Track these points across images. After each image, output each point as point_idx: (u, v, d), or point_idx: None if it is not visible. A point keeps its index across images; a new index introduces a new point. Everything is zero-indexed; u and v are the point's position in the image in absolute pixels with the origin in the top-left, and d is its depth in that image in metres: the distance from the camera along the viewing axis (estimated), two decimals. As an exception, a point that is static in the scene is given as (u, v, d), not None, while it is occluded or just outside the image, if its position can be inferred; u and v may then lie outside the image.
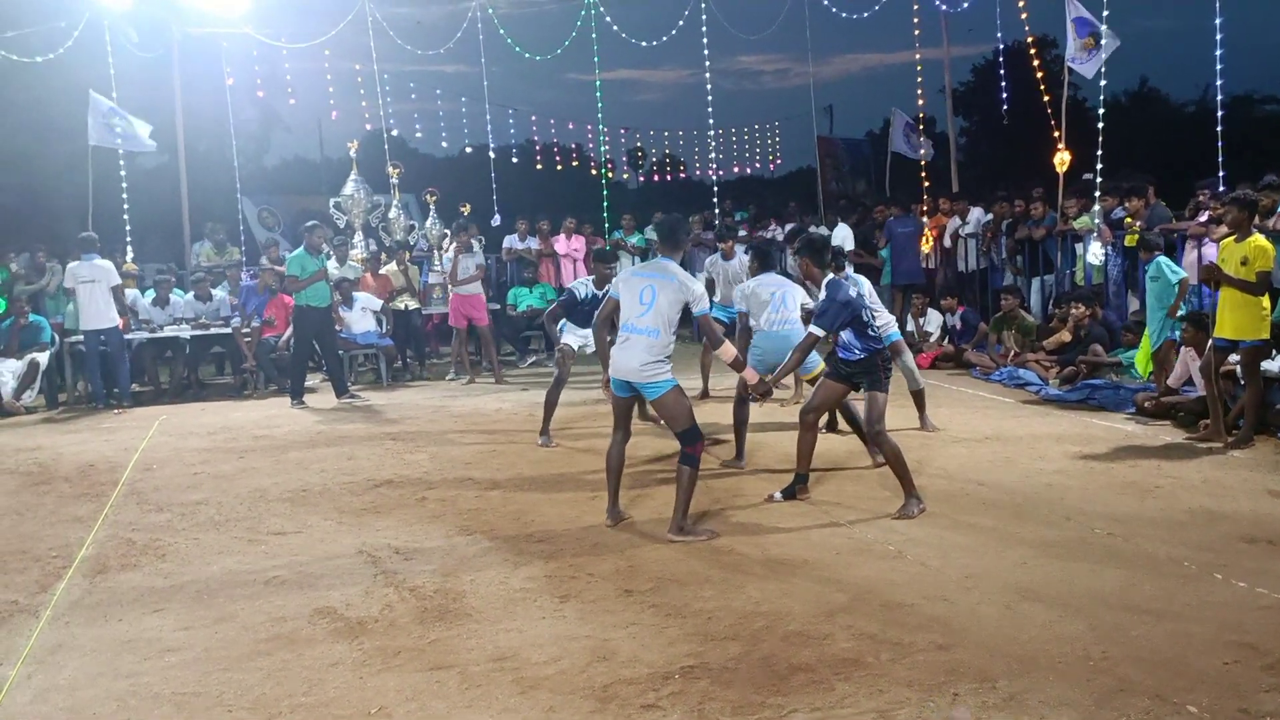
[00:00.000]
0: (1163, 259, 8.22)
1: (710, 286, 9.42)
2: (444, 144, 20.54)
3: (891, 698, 3.39)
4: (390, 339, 12.04)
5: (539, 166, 20.64)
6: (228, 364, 12.61)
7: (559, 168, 20.92)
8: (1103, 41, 10.46)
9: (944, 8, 14.73)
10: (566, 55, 15.53)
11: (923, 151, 15.05)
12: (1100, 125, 10.30)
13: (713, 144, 16.44)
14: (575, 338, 7.94)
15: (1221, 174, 9.93)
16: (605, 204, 15.49)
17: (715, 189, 15.49)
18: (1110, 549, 4.89)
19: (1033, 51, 13.30)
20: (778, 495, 5.95)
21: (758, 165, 22.75)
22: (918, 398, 7.87)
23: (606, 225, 15.41)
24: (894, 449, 5.58)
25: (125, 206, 12.77)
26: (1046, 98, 12.06)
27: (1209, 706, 3.25)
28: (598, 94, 15.87)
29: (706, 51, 14.38)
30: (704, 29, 14.31)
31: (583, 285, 7.86)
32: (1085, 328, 9.67)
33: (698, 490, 5.52)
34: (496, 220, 15.22)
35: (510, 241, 14.41)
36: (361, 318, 11.72)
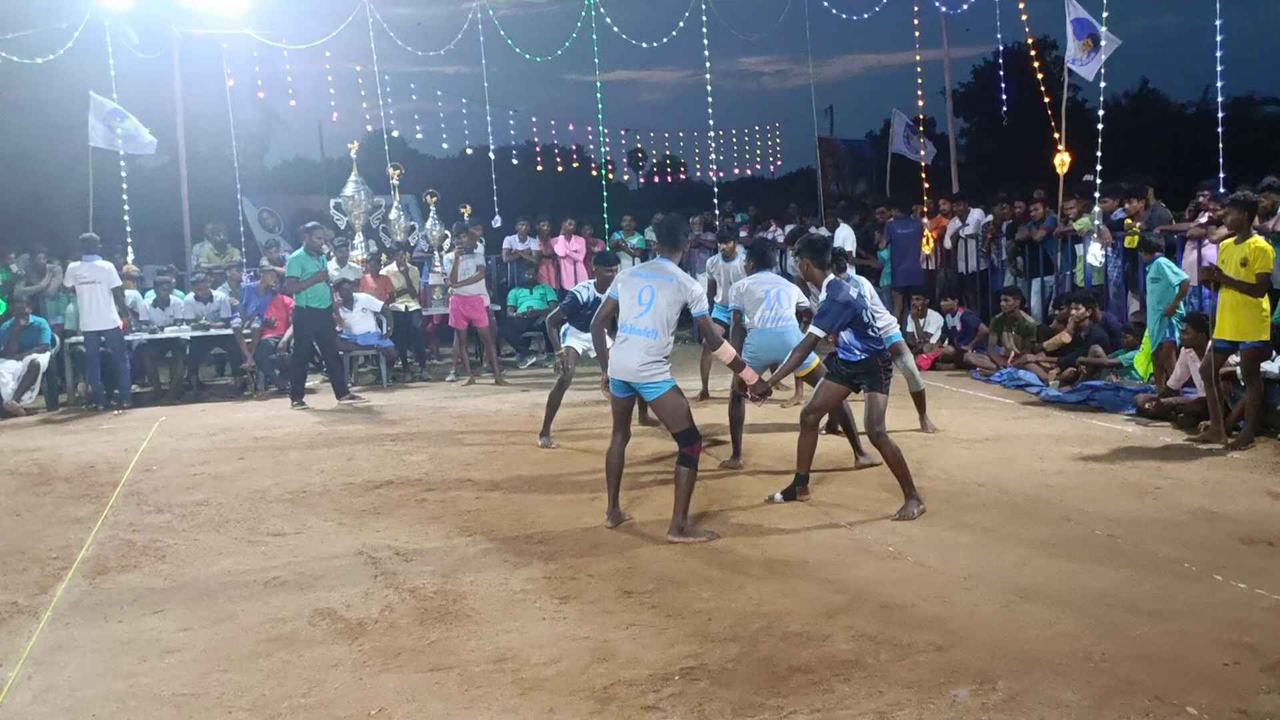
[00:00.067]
0: (1164, 260, 8.22)
1: (712, 287, 9.42)
2: (444, 145, 20.55)
3: (891, 699, 3.39)
4: (390, 340, 12.04)
5: (539, 167, 20.64)
6: (228, 365, 12.62)
7: (559, 169, 20.92)
8: (1102, 43, 10.46)
9: (944, 9, 14.74)
10: (567, 56, 15.56)
11: (923, 153, 15.06)
12: (1100, 126, 10.30)
13: (713, 145, 16.46)
14: (578, 341, 7.94)
15: (1222, 175, 9.93)
16: (605, 205, 15.50)
17: (716, 190, 15.50)
18: (1110, 549, 4.88)
19: (1033, 53, 13.31)
20: (778, 496, 5.95)
21: (758, 166, 22.75)
22: (918, 399, 7.87)
23: (607, 226, 15.41)
24: (895, 450, 5.58)
25: (126, 208, 12.78)
26: (1047, 99, 12.06)
27: (1208, 707, 3.25)
28: (598, 95, 15.90)
29: (707, 52, 14.40)
30: (704, 30, 14.33)
31: (585, 289, 7.86)
32: (1085, 329, 9.67)
33: (697, 491, 5.52)
34: (497, 221, 15.23)
35: (510, 243, 14.42)
36: (362, 319, 11.73)
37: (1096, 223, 10.22)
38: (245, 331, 11.39)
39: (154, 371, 11.74)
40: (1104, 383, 8.90)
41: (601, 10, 14.61)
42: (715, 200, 15.18)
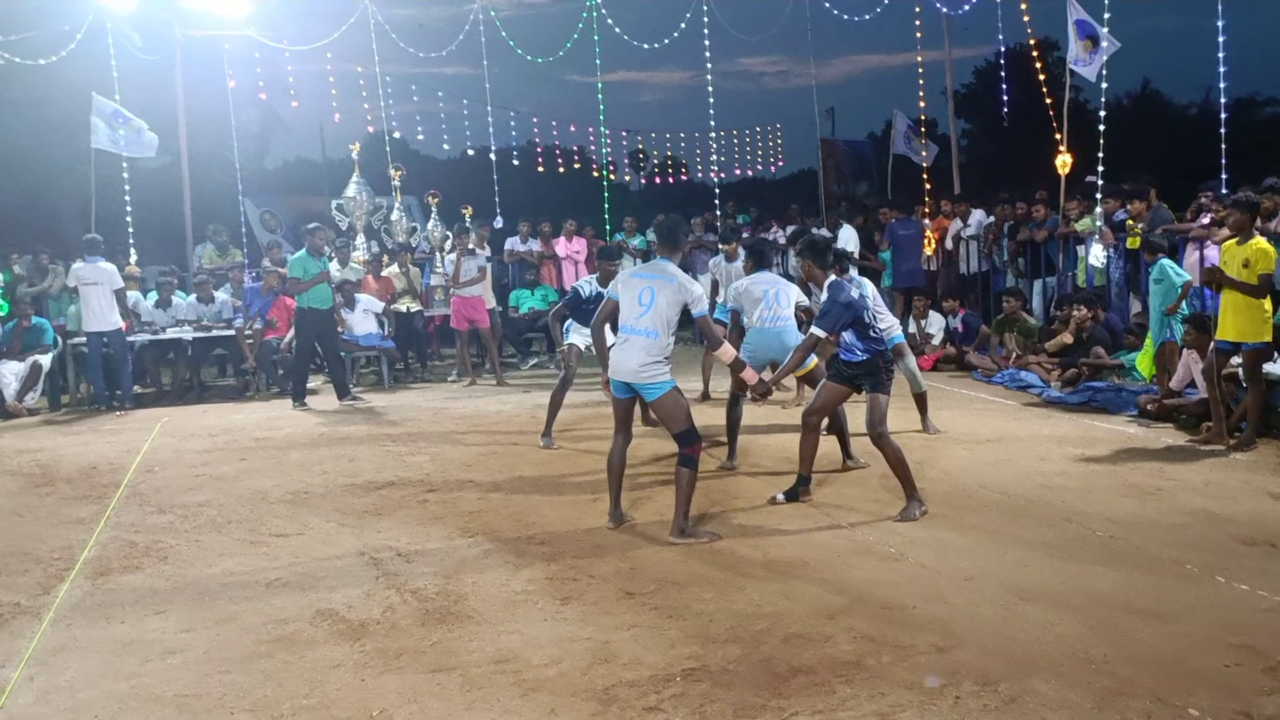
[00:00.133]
0: (1166, 262, 8.22)
1: (715, 288, 9.43)
2: (446, 146, 20.58)
3: (892, 700, 3.39)
4: (392, 341, 12.05)
5: (540, 168, 20.67)
6: (230, 366, 12.63)
7: (560, 170, 20.94)
8: (1103, 44, 10.47)
9: (945, 10, 14.74)
10: (568, 57, 15.57)
11: (924, 154, 15.07)
12: (1102, 128, 10.30)
13: (714, 146, 16.46)
14: (580, 338, 7.92)
15: (1224, 176, 9.93)
16: (607, 206, 15.51)
17: (717, 191, 15.50)
18: (1111, 550, 4.88)
19: (1035, 54, 13.32)
20: (780, 497, 5.95)
21: (759, 167, 22.78)
22: (920, 400, 7.87)
23: (608, 227, 15.42)
24: (896, 451, 5.58)
25: (128, 208, 12.79)
26: (1049, 99, 12.06)
27: (1209, 709, 3.25)
28: (599, 96, 15.91)
29: (708, 53, 14.41)
30: (705, 31, 14.34)
31: (587, 284, 7.87)
32: (1087, 330, 9.66)
33: (698, 492, 5.52)
34: (499, 222, 15.24)
35: (512, 244, 14.43)
36: (363, 320, 11.73)
37: (1098, 224, 10.22)
38: (247, 332, 11.40)
39: (156, 372, 11.75)
40: (1106, 384, 8.90)
41: (603, 11, 14.62)
42: (716, 201, 15.18)
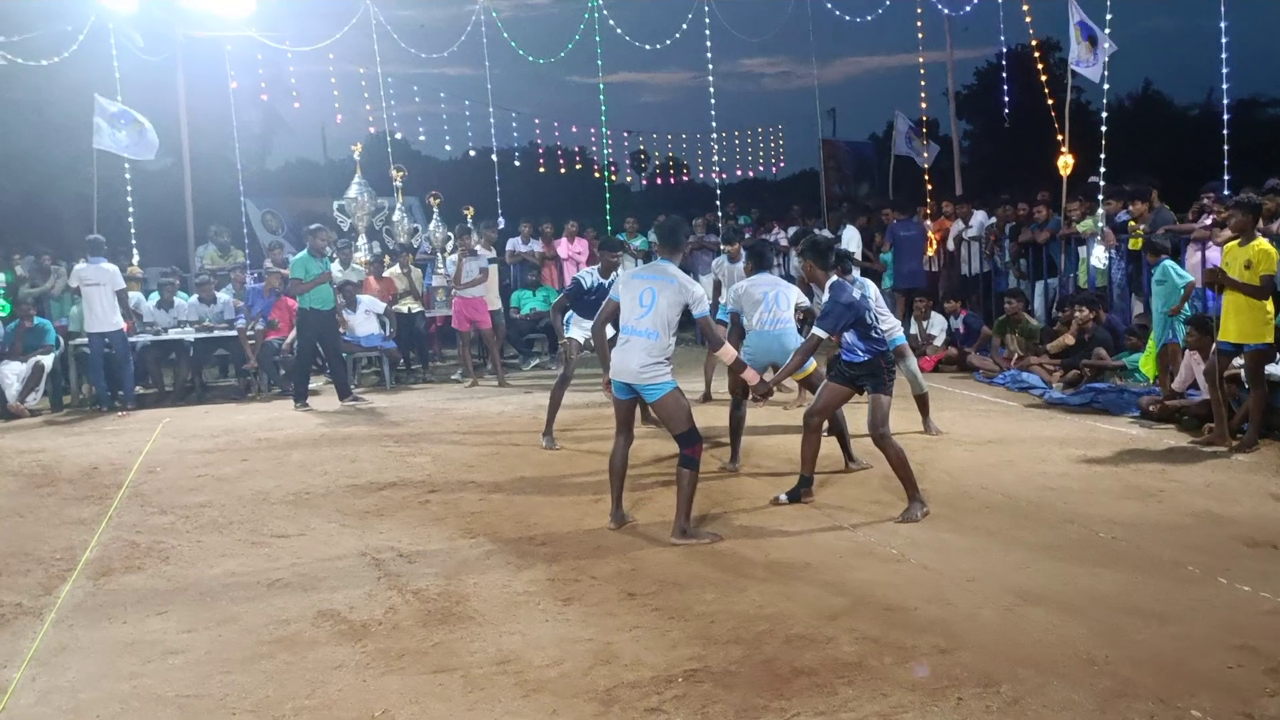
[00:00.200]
0: (1169, 263, 8.21)
1: (718, 288, 9.43)
2: (447, 147, 20.60)
3: (894, 701, 3.39)
4: (394, 342, 12.05)
5: (542, 169, 20.67)
6: (231, 367, 12.64)
7: (562, 171, 20.95)
8: (1104, 45, 10.47)
9: (946, 11, 14.74)
10: (569, 58, 15.58)
11: (925, 154, 15.06)
12: (1104, 129, 10.30)
13: (715, 147, 16.46)
14: (580, 331, 7.91)
15: (1227, 178, 9.92)
16: (608, 207, 15.52)
17: (718, 192, 15.51)
18: (1113, 552, 4.88)
19: (1036, 55, 13.32)
20: (783, 498, 5.95)
21: (761, 168, 22.79)
22: (921, 402, 7.87)
23: (610, 228, 15.43)
24: (898, 452, 5.58)
25: (130, 209, 12.80)
26: (1050, 100, 12.06)
27: (1211, 710, 3.24)
28: (601, 97, 15.91)
29: (709, 54, 14.41)
30: (707, 31, 14.34)
31: (588, 275, 7.88)
32: (1089, 331, 9.66)
33: (700, 493, 5.52)
34: (500, 223, 15.26)
35: (513, 244, 14.44)
36: (365, 320, 11.74)
37: (1100, 225, 10.22)
38: (249, 333, 11.40)
39: (158, 373, 11.76)
40: (1108, 385, 8.89)
41: (604, 12, 14.63)
42: (718, 202, 15.19)
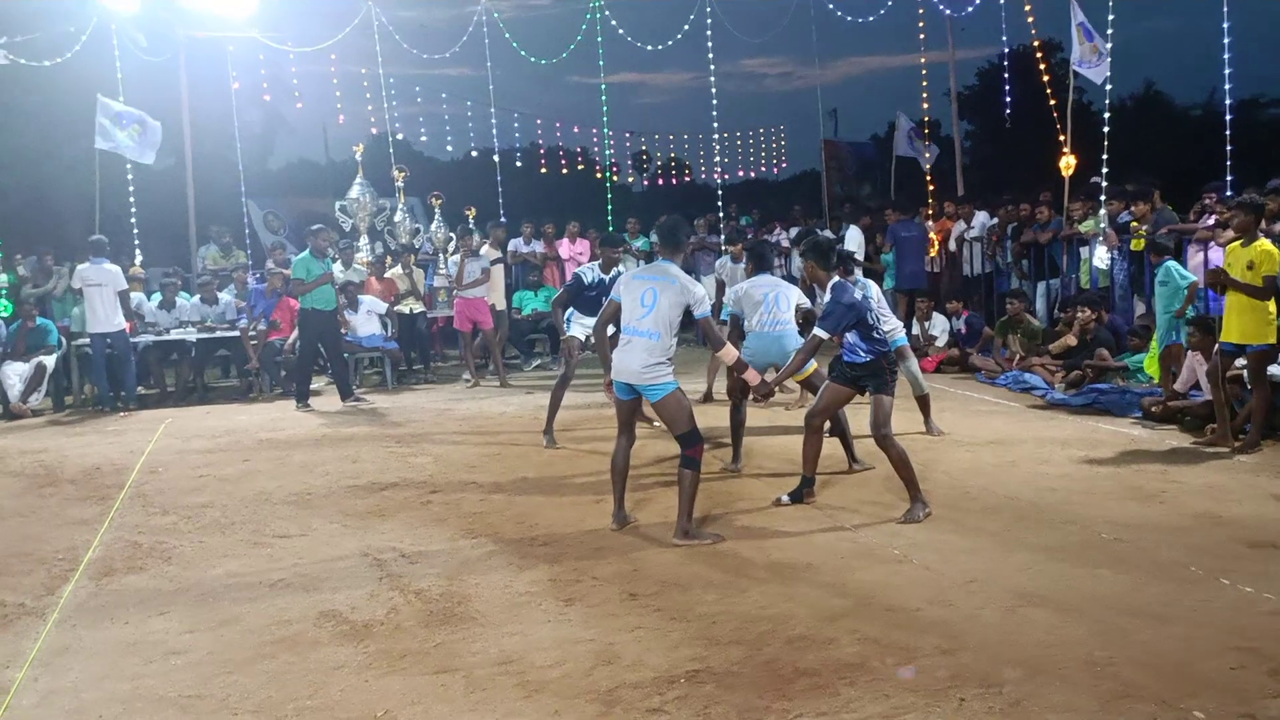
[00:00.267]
0: (1172, 263, 8.21)
1: (721, 288, 9.44)
2: (449, 147, 20.60)
3: (896, 702, 3.39)
4: (395, 342, 12.06)
5: (543, 170, 20.68)
6: (233, 367, 12.64)
7: (564, 171, 20.97)
8: (1107, 45, 10.48)
9: (948, 11, 14.74)
10: (571, 58, 15.59)
11: (927, 155, 15.07)
12: (1106, 130, 10.29)
13: (717, 147, 16.48)
14: (581, 328, 7.91)
15: (1230, 178, 9.91)
16: (610, 207, 15.53)
17: (720, 192, 15.51)
18: (1115, 553, 4.87)
19: (1038, 55, 13.32)
20: (785, 499, 5.95)
21: (762, 169, 22.79)
22: (922, 403, 7.86)
23: (611, 229, 15.42)
24: (900, 453, 5.57)
25: (133, 210, 12.81)
26: (1053, 101, 12.06)
27: (1214, 711, 3.24)
28: (602, 97, 15.92)
29: (711, 55, 14.42)
30: (708, 32, 14.35)
31: (589, 270, 7.88)
32: (1091, 332, 9.65)
33: (701, 494, 5.52)
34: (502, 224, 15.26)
35: (515, 245, 14.44)
36: (367, 321, 11.75)
37: (1103, 225, 10.21)
38: (251, 333, 11.41)
39: (160, 373, 11.77)
40: (1110, 386, 8.88)
41: (606, 13, 14.63)
42: (719, 203, 15.18)
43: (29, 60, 12.59)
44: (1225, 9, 10.09)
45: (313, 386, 10.68)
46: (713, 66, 14.47)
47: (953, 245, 13.11)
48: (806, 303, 7.31)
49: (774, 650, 3.84)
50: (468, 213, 12.79)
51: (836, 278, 5.80)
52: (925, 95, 15.37)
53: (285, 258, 12.46)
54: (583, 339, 7.92)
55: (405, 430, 8.81)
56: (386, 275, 12.72)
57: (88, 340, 10.64)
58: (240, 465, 7.59)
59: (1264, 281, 6.79)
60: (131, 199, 12.80)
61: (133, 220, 12.87)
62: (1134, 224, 9.88)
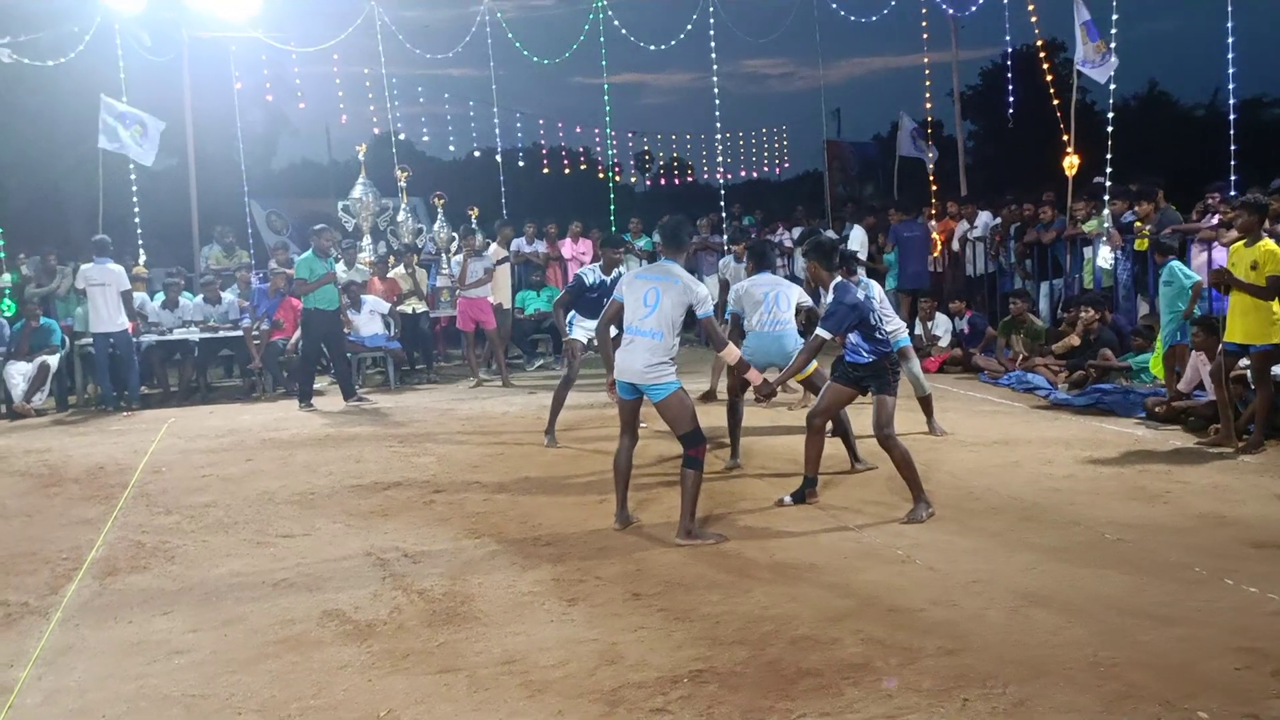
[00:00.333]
0: (1176, 264, 8.20)
1: (724, 288, 9.43)
2: (451, 147, 20.61)
3: (899, 703, 3.38)
4: (398, 342, 12.06)
5: (546, 170, 20.68)
6: (236, 367, 12.66)
7: (566, 171, 20.96)
8: (1111, 45, 10.47)
9: (951, 12, 14.73)
10: (574, 58, 15.59)
11: (931, 155, 15.06)
12: (1110, 129, 10.28)
13: (720, 147, 16.50)
14: (583, 331, 7.90)
15: (1234, 178, 9.89)
16: (612, 207, 15.52)
17: (722, 192, 15.50)
18: (1119, 554, 4.87)
19: (1042, 55, 13.31)
20: (787, 499, 5.94)
21: (765, 169, 22.77)
22: (925, 403, 7.85)
23: (614, 229, 15.43)
24: (903, 453, 5.57)
25: (136, 210, 12.82)
26: (1056, 101, 12.05)
27: (1218, 712, 3.23)
28: (605, 97, 15.91)
29: (714, 55, 14.41)
30: (711, 32, 14.34)
31: (590, 272, 7.87)
32: (1094, 332, 9.64)
33: (704, 494, 5.53)
34: (504, 224, 15.27)
35: (518, 245, 14.45)
36: (369, 320, 11.75)
37: (1106, 225, 10.20)
38: (254, 333, 11.42)
39: (163, 373, 11.78)
40: (1113, 386, 8.87)
41: (609, 13, 14.63)
42: (722, 203, 15.19)
43: (33, 60, 12.60)
44: (1229, 9, 10.07)
45: (315, 386, 10.69)
46: (715, 66, 14.49)
47: (956, 245, 13.09)
48: (808, 301, 7.30)
49: (777, 650, 3.84)
50: (470, 212, 12.80)
51: (839, 278, 5.80)
52: (928, 95, 15.38)
53: (288, 258, 12.47)
54: (585, 342, 7.91)
55: (408, 430, 8.82)
56: (389, 275, 12.73)
57: (91, 340, 10.65)
58: (243, 465, 7.60)
59: (1268, 281, 6.77)
60: (135, 199, 12.81)
61: (136, 220, 12.88)
62: (1138, 224, 9.87)
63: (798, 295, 7.19)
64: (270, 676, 3.81)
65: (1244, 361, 7.12)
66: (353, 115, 16.94)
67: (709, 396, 9.43)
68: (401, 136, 16.48)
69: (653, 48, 15.41)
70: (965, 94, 21.03)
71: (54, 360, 10.81)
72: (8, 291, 11.54)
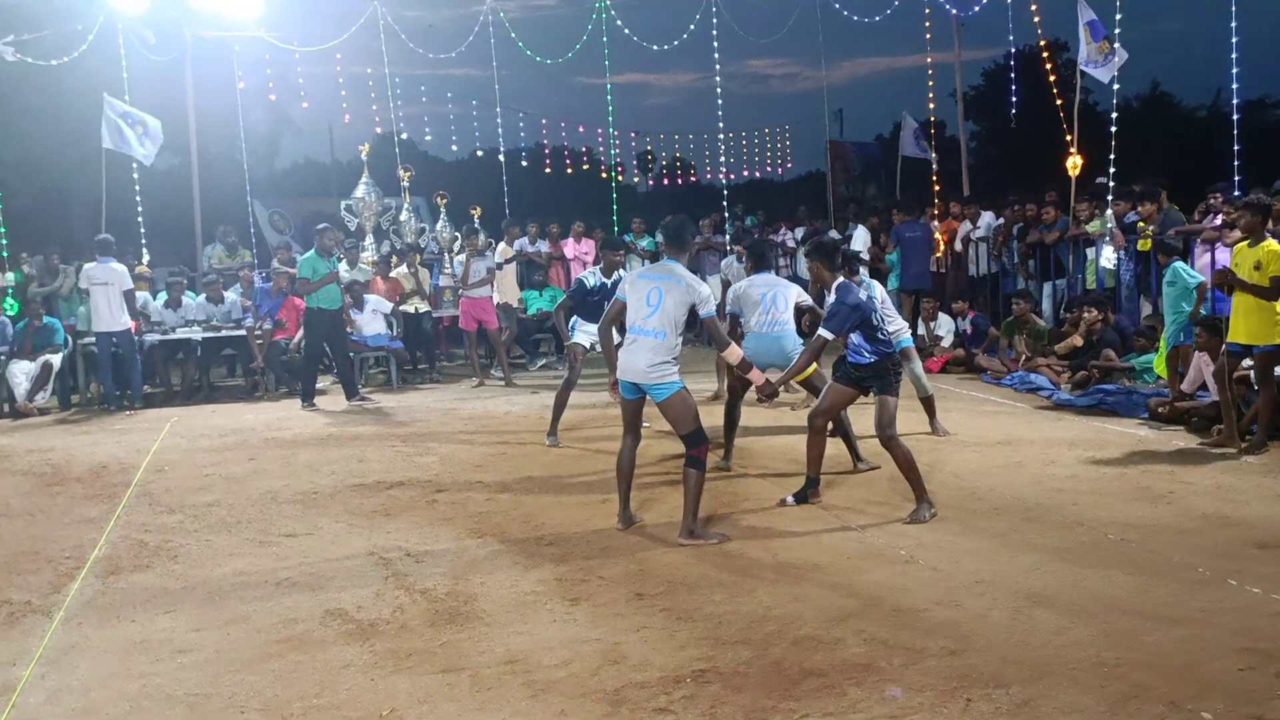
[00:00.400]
0: (1179, 264, 8.19)
1: (727, 288, 9.42)
2: (454, 147, 20.63)
3: (903, 703, 3.38)
4: (401, 342, 12.07)
5: (549, 170, 20.69)
6: (239, 366, 12.67)
7: (569, 171, 20.97)
8: (1115, 45, 10.46)
9: (954, 11, 14.72)
10: (577, 59, 15.59)
11: (934, 155, 15.06)
12: (1113, 130, 10.27)
13: (723, 147, 16.49)
14: (585, 336, 7.89)
15: (1237, 178, 9.88)
16: (615, 207, 15.52)
17: (725, 193, 15.50)
18: (1122, 554, 4.86)
19: (1045, 55, 13.29)
20: (790, 499, 5.94)
21: (768, 169, 22.77)
22: (927, 404, 7.85)
23: (616, 229, 15.44)
24: (906, 453, 5.56)
25: (139, 209, 12.83)
26: (1059, 101, 12.03)
27: (1222, 713, 3.23)
28: (608, 97, 15.91)
29: (717, 55, 14.41)
30: (714, 32, 14.34)
31: (591, 275, 7.86)
32: (1097, 332, 9.63)
33: (707, 494, 5.52)
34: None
35: (520, 244, 14.46)
36: (372, 320, 11.76)
37: (1109, 225, 10.19)
38: (256, 333, 11.43)
39: (165, 372, 11.80)
40: (1116, 386, 8.86)
41: (612, 13, 14.63)
42: (725, 203, 15.18)
43: (36, 59, 12.60)
44: (1232, 10, 10.06)
45: (318, 386, 10.69)
46: (718, 66, 14.48)
47: (958, 245, 13.09)
48: (807, 300, 7.29)
49: (781, 650, 3.84)
50: (473, 212, 12.81)
51: (841, 278, 5.80)
52: (931, 95, 15.36)
53: (291, 257, 12.47)
54: (587, 345, 7.90)
55: (411, 430, 8.82)
56: (392, 275, 12.74)
57: (94, 339, 10.66)
58: (246, 464, 7.60)
59: (1271, 282, 6.77)
60: (138, 198, 12.81)
61: (139, 219, 12.88)
62: (1140, 224, 9.86)
63: (796, 295, 7.17)
64: (273, 676, 3.81)
65: (1247, 362, 7.11)
66: (355, 115, 16.97)
67: (719, 397, 9.42)
68: (404, 136, 16.53)
69: (655, 48, 15.42)
70: (968, 94, 21.04)
71: (57, 359, 10.82)
72: (11, 291, 11.56)
